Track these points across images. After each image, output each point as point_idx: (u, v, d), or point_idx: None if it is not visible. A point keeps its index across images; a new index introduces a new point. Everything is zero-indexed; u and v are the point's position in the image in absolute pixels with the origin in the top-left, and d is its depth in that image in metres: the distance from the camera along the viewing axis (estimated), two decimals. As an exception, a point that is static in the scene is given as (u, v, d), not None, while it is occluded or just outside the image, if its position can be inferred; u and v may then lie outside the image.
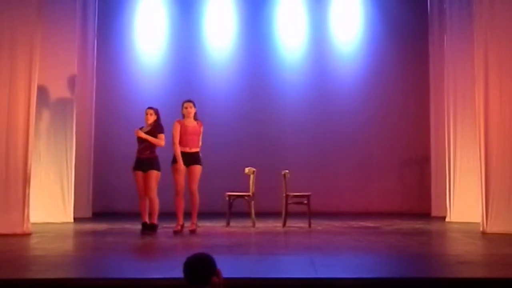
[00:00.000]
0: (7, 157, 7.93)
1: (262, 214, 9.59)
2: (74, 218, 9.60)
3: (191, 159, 8.14)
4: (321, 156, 11.72)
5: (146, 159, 8.13)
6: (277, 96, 11.86)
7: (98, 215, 10.42)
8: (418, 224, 9.35)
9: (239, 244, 7.37)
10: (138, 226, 8.25)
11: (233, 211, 9.12)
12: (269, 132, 11.71)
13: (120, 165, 10.44)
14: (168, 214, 8.42)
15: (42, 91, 9.04)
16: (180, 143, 8.15)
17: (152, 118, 8.28)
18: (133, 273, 5.32)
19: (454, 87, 10.01)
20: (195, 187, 8.15)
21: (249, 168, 9.22)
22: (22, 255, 6.52)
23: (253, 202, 9.04)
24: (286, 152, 11.51)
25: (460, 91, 9.88)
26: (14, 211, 7.86)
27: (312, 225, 8.90)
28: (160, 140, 8.19)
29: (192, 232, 8.11)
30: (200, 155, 8.26)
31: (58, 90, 9.73)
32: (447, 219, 9.85)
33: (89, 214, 10.40)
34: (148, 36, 11.93)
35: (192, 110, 8.28)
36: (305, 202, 9.04)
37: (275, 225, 9.16)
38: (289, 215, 9.13)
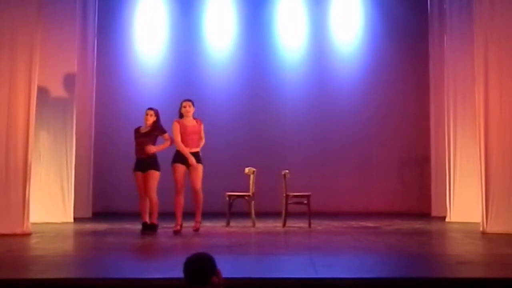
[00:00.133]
0: (7, 157, 7.93)
1: (262, 214, 9.59)
2: (74, 218, 9.60)
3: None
4: (321, 156, 11.72)
5: (145, 159, 8.13)
6: (277, 96, 11.86)
7: (98, 215, 10.42)
8: (418, 224, 9.35)
9: (239, 244, 7.37)
10: (138, 226, 8.25)
11: (233, 211, 9.12)
12: (269, 132, 11.71)
13: (120, 165, 10.45)
14: (168, 214, 8.42)
15: (42, 91, 9.03)
16: None
17: (151, 119, 8.27)
18: (133, 273, 5.32)
19: (454, 87, 10.01)
20: (198, 185, 8.10)
21: (249, 168, 9.21)
22: (22, 255, 6.52)
23: (253, 202, 9.03)
24: (286, 152, 11.51)
25: (460, 91, 9.88)
26: (14, 211, 7.86)
27: (312, 225, 8.90)
28: (169, 141, 8.22)
29: (196, 230, 8.09)
30: (201, 154, 8.25)
31: (58, 90, 9.73)
32: (447, 219, 9.84)
33: (89, 214, 10.40)
34: (148, 36, 11.93)
35: (191, 109, 8.25)
36: (305, 202, 9.04)
37: (275, 225, 9.16)
38: (289, 215, 9.13)
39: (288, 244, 7.67)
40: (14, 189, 7.92)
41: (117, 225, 9.10)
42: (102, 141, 11.18)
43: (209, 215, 9.46)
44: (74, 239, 8.19)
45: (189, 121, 8.23)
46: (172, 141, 8.21)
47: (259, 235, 8.26)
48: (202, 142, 8.34)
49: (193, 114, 8.30)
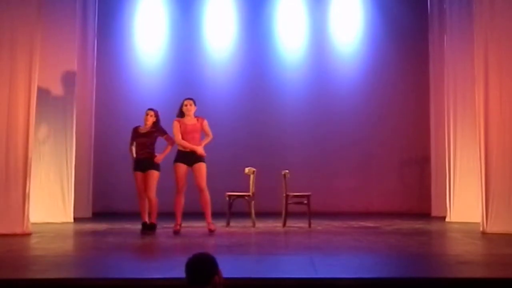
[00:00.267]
0: (7, 157, 7.93)
1: (262, 214, 9.59)
2: (74, 218, 9.60)
3: (193, 157, 8.06)
4: (321, 156, 11.72)
5: (145, 159, 8.13)
6: (277, 96, 11.86)
7: (98, 215, 10.42)
8: (418, 224, 9.35)
9: (239, 244, 7.37)
10: (138, 226, 8.25)
11: (233, 211, 9.12)
12: (269, 132, 11.71)
13: (120, 165, 10.44)
14: (168, 214, 8.42)
15: (42, 91, 9.03)
16: None
17: (151, 120, 8.27)
18: (133, 273, 5.32)
19: (454, 87, 10.01)
20: (203, 184, 8.04)
21: (249, 168, 9.22)
22: (22, 255, 6.52)
23: (253, 202, 9.03)
24: (286, 152, 11.51)
25: (460, 91, 9.88)
26: (14, 211, 7.86)
27: (312, 225, 8.90)
28: (171, 142, 8.21)
29: (211, 232, 7.97)
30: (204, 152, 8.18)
31: (58, 90, 9.73)
32: (447, 219, 9.84)
33: (89, 214, 10.39)
34: (148, 36, 11.93)
35: (192, 108, 8.19)
36: (305, 202, 9.04)
37: (275, 225, 9.16)
38: (289, 215, 9.13)
39: (288, 244, 7.67)
40: (14, 189, 7.91)
41: (117, 225, 9.10)
42: (102, 141, 11.19)
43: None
44: (74, 239, 8.18)
45: (190, 120, 8.19)
46: (173, 142, 8.20)
47: (259, 235, 8.26)
48: (209, 139, 8.28)
49: (195, 113, 8.27)
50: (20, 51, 8.06)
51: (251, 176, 9.10)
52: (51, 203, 9.43)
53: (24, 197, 7.93)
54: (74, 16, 10.07)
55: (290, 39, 11.99)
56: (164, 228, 8.38)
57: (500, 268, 5.47)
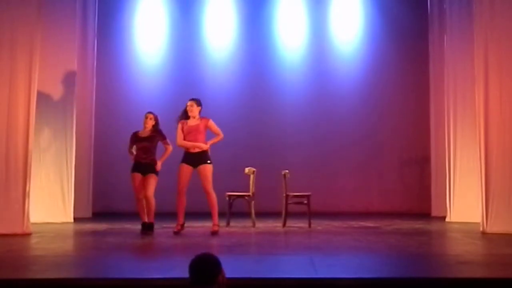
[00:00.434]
0: (7, 157, 7.93)
1: (262, 214, 9.59)
2: (74, 218, 9.60)
3: (196, 159, 7.98)
4: (321, 156, 11.72)
5: (146, 163, 8.11)
6: (277, 96, 11.86)
7: (98, 215, 10.42)
8: (418, 224, 9.35)
9: (239, 244, 7.37)
10: (138, 226, 8.25)
11: (233, 211, 9.12)
12: (269, 132, 11.71)
13: (120, 165, 10.42)
14: (168, 214, 8.42)
15: (42, 91, 9.03)
16: None
17: (151, 123, 8.25)
18: (133, 273, 5.32)
19: (454, 87, 10.01)
20: (209, 186, 7.98)
21: (249, 168, 9.22)
22: (22, 255, 6.52)
23: (253, 202, 9.04)
24: (286, 152, 11.51)
25: (460, 91, 9.88)
26: (14, 211, 7.86)
27: (312, 225, 8.90)
28: (169, 147, 8.21)
29: (214, 233, 7.94)
30: (208, 153, 8.10)
31: (58, 90, 9.73)
32: (447, 219, 9.84)
33: (89, 214, 10.40)
34: (148, 36, 11.93)
35: (194, 109, 8.08)
36: (305, 202, 9.04)
37: (275, 225, 9.16)
38: (289, 215, 9.13)
39: (288, 244, 7.67)
40: (14, 189, 7.91)
41: (117, 225, 9.10)
42: (102, 141, 11.19)
43: (209, 215, 9.45)
44: (74, 239, 8.18)
45: (193, 121, 8.10)
46: (170, 147, 8.19)
47: (259, 235, 8.26)
48: (218, 138, 8.21)
49: (200, 114, 8.17)
50: (20, 51, 8.06)
51: (251, 176, 9.10)
52: (51, 203, 9.43)
53: (24, 197, 7.93)
54: (74, 16, 10.07)
55: (290, 38, 11.99)
56: (164, 228, 8.38)
57: (500, 268, 5.47)
